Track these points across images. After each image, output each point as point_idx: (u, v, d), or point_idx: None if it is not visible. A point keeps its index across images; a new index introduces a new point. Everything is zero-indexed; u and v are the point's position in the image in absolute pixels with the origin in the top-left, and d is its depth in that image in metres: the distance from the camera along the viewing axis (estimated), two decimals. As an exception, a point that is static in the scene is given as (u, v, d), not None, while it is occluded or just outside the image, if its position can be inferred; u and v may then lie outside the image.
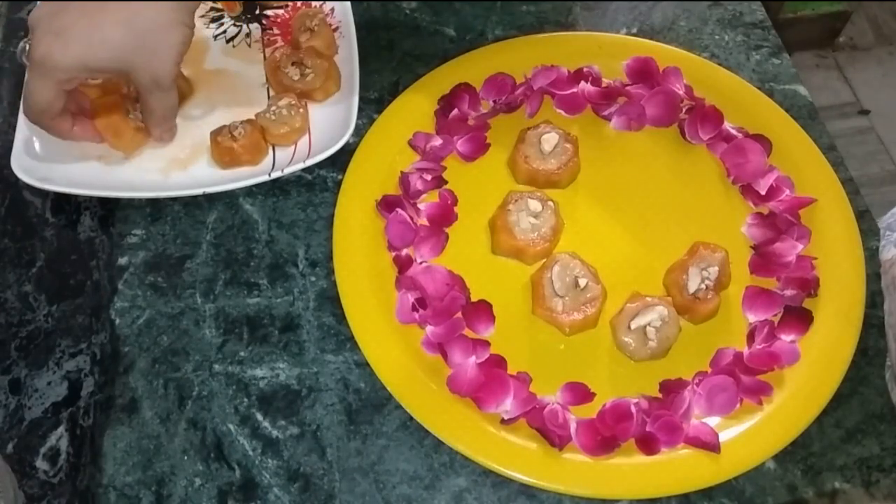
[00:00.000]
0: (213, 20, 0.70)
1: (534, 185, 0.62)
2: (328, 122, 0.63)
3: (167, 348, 0.56)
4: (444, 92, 0.65)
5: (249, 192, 0.62)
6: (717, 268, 0.57)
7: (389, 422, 0.54)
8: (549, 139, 0.62)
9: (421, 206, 0.61)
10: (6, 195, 0.62)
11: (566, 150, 0.62)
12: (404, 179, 0.62)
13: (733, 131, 0.64)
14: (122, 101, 0.61)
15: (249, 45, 0.69)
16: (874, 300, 0.58)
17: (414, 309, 0.56)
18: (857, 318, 0.56)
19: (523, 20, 0.72)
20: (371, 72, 0.67)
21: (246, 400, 0.55)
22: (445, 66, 0.67)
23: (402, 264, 0.58)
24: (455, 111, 0.64)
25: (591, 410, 0.54)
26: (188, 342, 0.57)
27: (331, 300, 0.58)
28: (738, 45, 0.71)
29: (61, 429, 0.53)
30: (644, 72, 0.67)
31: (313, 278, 0.59)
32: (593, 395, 0.54)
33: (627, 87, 0.66)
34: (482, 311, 0.57)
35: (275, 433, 0.53)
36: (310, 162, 0.60)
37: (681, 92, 0.66)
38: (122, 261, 0.60)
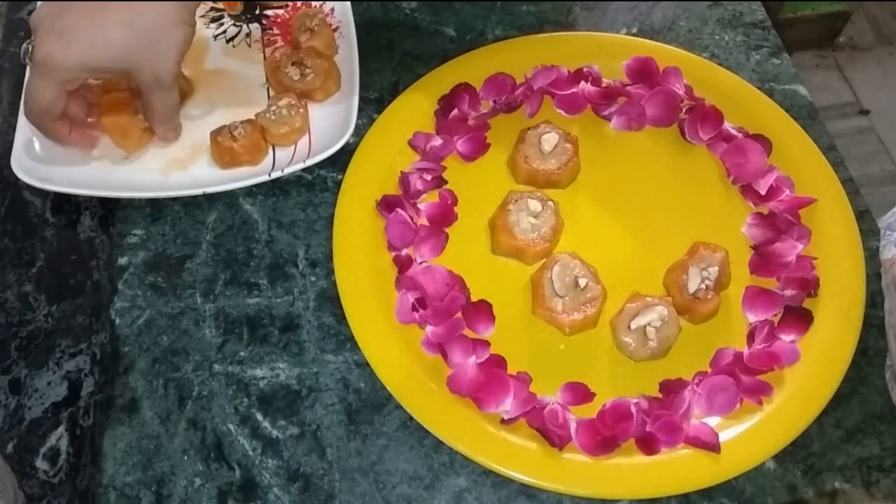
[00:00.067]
0: (213, 20, 0.70)
1: (534, 185, 0.62)
2: (328, 122, 0.63)
3: (167, 348, 0.56)
4: (444, 92, 0.65)
5: (249, 192, 0.62)
6: (717, 268, 0.57)
7: (389, 422, 0.54)
8: (549, 139, 0.62)
9: (421, 206, 0.61)
10: (6, 195, 0.62)
11: (566, 150, 0.62)
12: (404, 179, 0.62)
13: (733, 131, 0.64)
14: (131, 101, 0.61)
15: (249, 45, 0.69)
16: (874, 300, 0.58)
17: (414, 309, 0.56)
18: (857, 318, 0.56)
19: (523, 20, 0.72)
20: (371, 72, 0.67)
21: (246, 400, 0.55)
22: (445, 66, 0.67)
23: (402, 264, 0.58)
24: (455, 111, 0.64)
25: (591, 410, 0.54)
26: (188, 342, 0.57)
27: (331, 300, 0.58)
28: (738, 45, 0.71)
29: (61, 429, 0.53)
30: (644, 72, 0.67)
31: (313, 278, 0.59)
32: (593, 395, 0.54)
33: (627, 87, 0.66)
34: (482, 311, 0.57)
35: (275, 433, 0.53)
36: (310, 162, 0.60)
37: (681, 92, 0.66)
38: (122, 261, 0.60)
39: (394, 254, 0.59)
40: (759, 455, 0.52)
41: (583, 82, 0.66)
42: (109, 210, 0.62)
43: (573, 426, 0.53)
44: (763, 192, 0.61)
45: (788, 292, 0.57)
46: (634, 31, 0.71)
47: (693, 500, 0.52)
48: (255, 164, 0.62)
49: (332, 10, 0.69)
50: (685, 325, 0.56)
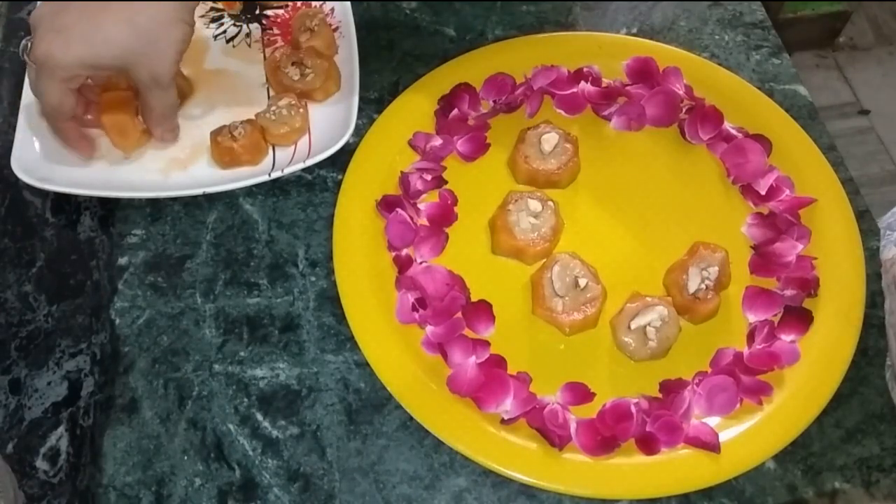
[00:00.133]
0: (213, 20, 0.70)
1: (534, 185, 0.62)
2: (328, 122, 0.63)
3: (167, 348, 0.56)
4: (444, 92, 0.65)
5: (249, 192, 0.62)
6: (717, 268, 0.57)
7: (389, 422, 0.54)
8: (549, 139, 0.62)
9: (421, 206, 0.61)
10: (6, 195, 0.62)
11: (566, 150, 0.62)
12: (404, 179, 0.62)
13: (733, 131, 0.64)
14: (132, 100, 0.61)
15: (249, 45, 0.69)
16: (874, 300, 0.58)
17: (414, 309, 0.56)
18: (857, 318, 0.56)
19: (523, 20, 0.72)
20: (371, 72, 0.67)
21: (246, 400, 0.55)
22: (445, 66, 0.67)
23: (402, 264, 0.58)
24: (455, 111, 0.64)
25: (591, 410, 0.54)
26: (188, 342, 0.57)
27: (331, 300, 0.58)
28: (738, 45, 0.71)
29: (61, 429, 0.53)
30: (644, 72, 0.67)
31: (313, 278, 0.59)
32: (593, 395, 0.54)
33: (627, 87, 0.66)
34: (482, 311, 0.57)
35: (275, 433, 0.53)
36: (310, 162, 0.60)
37: (681, 92, 0.66)
38: (122, 261, 0.60)
39: (394, 254, 0.59)
40: (759, 455, 0.52)
41: (583, 82, 0.66)
42: (109, 210, 0.62)
43: (573, 426, 0.53)
44: (763, 192, 0.61)
45: (788, 292, 0.57)
46: (634, 31, 0.72)
47: (693, 500, 0.52)
48: (255, 164, 0.62)
49: (332, 10, 0.69)
50: (685, 325, 0.56)
